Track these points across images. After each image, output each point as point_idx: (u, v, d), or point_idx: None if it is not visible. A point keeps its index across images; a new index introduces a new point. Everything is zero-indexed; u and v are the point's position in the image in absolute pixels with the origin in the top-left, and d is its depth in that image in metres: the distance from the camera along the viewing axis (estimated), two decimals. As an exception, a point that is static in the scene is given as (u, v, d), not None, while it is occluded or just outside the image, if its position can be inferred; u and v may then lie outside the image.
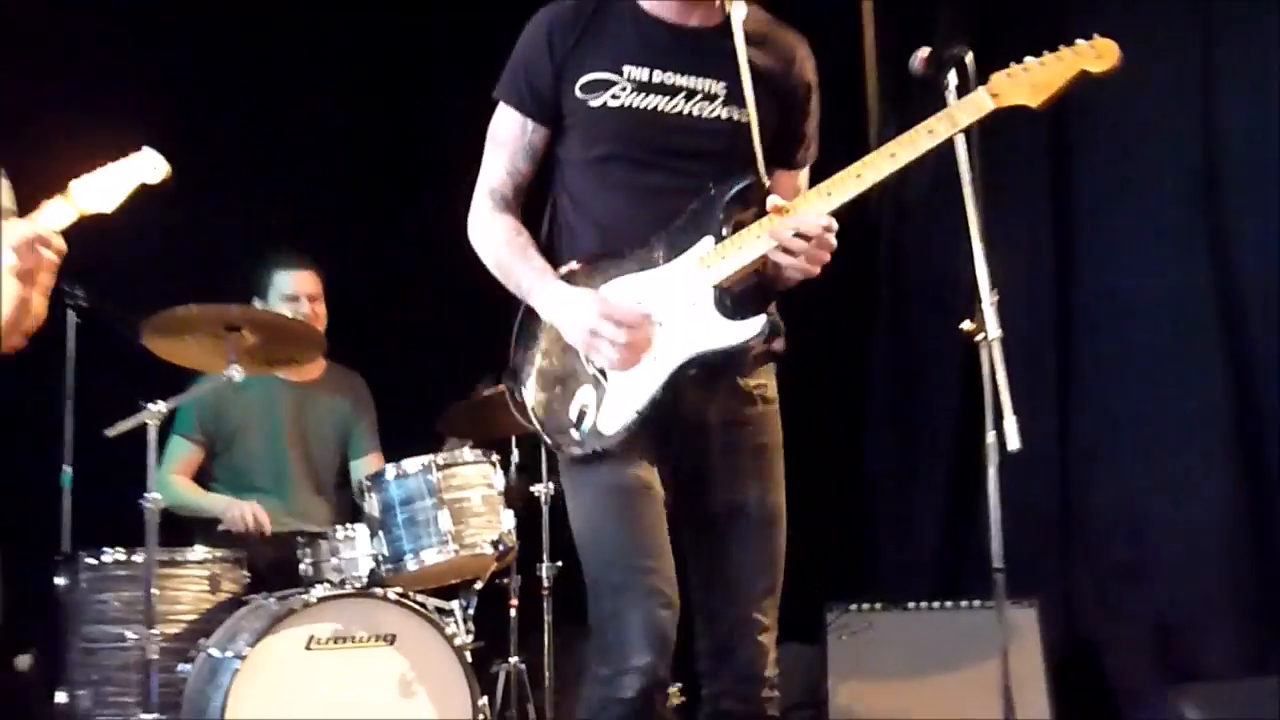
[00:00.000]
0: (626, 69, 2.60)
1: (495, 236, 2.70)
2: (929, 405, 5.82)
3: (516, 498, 4.69)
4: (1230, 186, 5.07)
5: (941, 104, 3.65)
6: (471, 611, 4.50)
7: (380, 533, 4.35)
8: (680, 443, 2.67)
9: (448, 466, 4.40)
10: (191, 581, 4.39)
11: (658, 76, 2.61)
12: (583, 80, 2.61)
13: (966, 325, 3.62)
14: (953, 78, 3.64)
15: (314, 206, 5.76)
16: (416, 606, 4.21)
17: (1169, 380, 4.95)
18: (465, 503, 4.39)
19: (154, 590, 4.13)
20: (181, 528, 4.64)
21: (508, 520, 4.45)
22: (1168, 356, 5.10)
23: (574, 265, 2.67)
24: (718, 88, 2.64)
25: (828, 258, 2.55)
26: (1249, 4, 4.89)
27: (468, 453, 4.51)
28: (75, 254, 3.01)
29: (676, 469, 2.68)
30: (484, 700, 4.26)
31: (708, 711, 2.72)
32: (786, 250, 2.48)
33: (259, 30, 5.78)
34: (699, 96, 2.64)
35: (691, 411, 2.67)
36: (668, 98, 2.62)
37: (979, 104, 2.56)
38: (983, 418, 3.48)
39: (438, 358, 5.46)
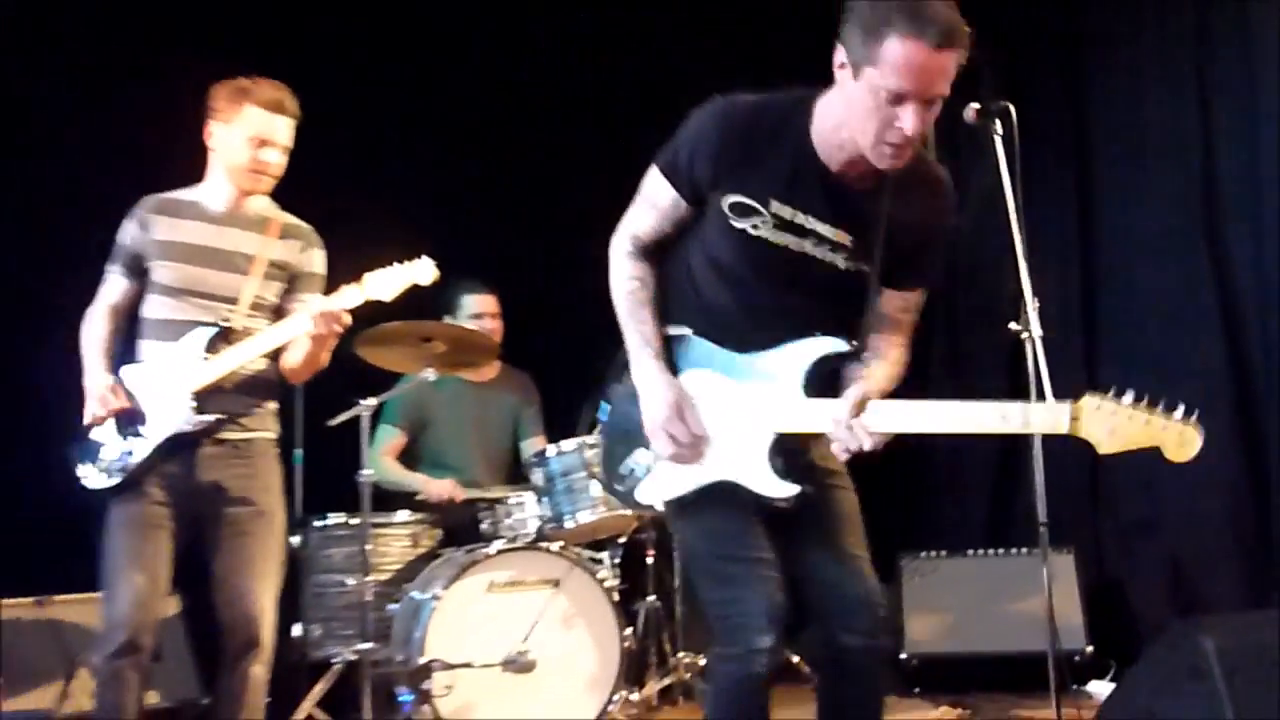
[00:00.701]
0: (773, 204, 2.35)
1: (624, 280, 2.52)
2: (982, 392, 5.71)
3: None
4: (1223, 194, 5.02)
5: (990, 147, 3.84)
6: (617, 560, 4.65)
7: (544, 498, 4.47)
8: None
9: (596, 446, 4.41)
10: (397, 539, 4.60)
11: (799, 218, 2.36)
12: (731, 200, 2.36)
13: (1013, 326, 3.79)
14: (998, 126, 3.85)
15: (494, 238, 5.78)
16: (574, 556, 4.31)
17: (1177, 362, 4.92)
18: (614, 474, 4.62)
19: (368, 546, 4.26)
20: (388, 497, 4.77)
21: (646, 488, 4.67)
22: (1175, 341, 5.07)
23: (684, 332, 2.48)
24: (848, 241, 2.39)
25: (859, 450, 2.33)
26: (1237, 36, 4.82)
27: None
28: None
29: None
30: (628, 630, 4.36)
31: (828, 653, 2.51)
32: (844, 441, 2.30)
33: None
34: (828, 245, 2.38)
35: None
36: (800, 239, 2.38)
37: (1057, 421, 2.26)
38: (1026, 400, 3.69)
39: (590, 358, 5.54)
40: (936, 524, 6.06)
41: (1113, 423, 2.20)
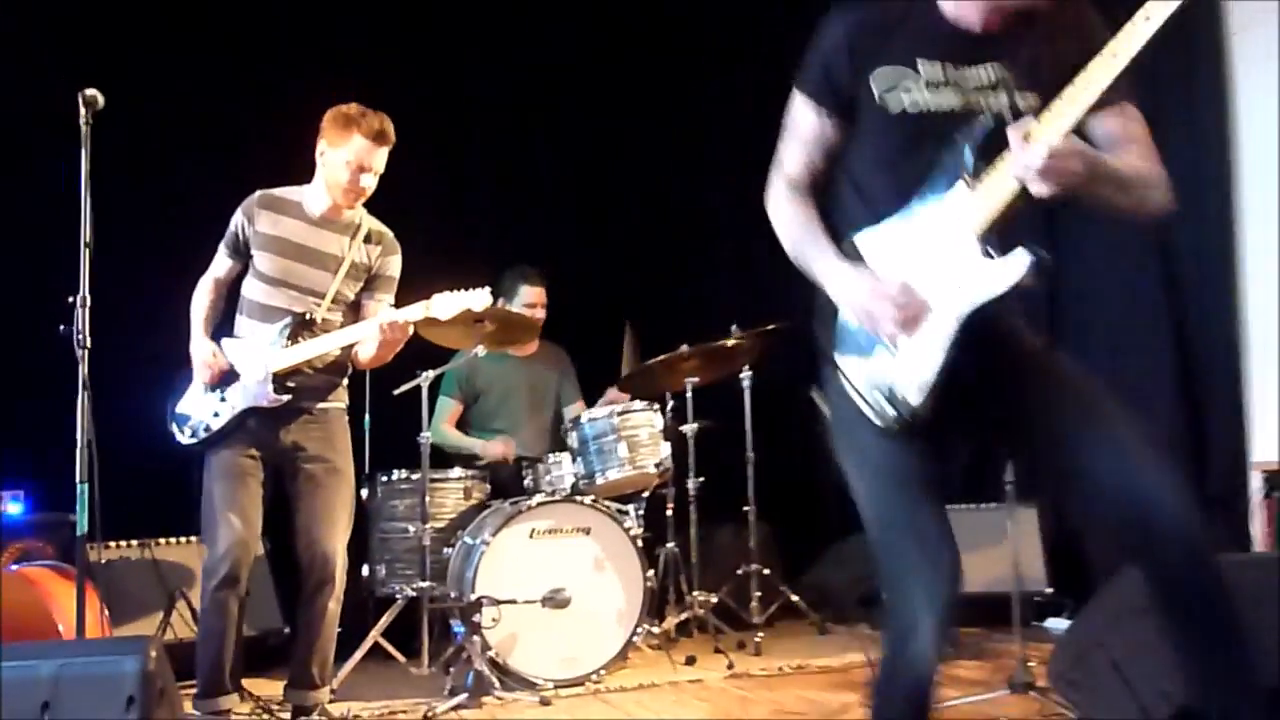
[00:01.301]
0: (920, 64, 2.02)
1: (793, 222, 2.16)
2: None
3: (672, 434, 4.77)
4: (1178, 246, 4.83)
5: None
6: (641, 512, 4.69)
7: (579, 458, 4.52)
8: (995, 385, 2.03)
9: (625, 413, 4.55)
10: (452, 492, 4.64)
11: (949, 73, 2.02)
12: (879, 71, 2.03)
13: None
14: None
15: (546, 231, 5.90)
16: (604, 508, 4.33)
17: (1130, 355, 4.85)
18: (636, 437, 4.53)
19: (426, 498, 4.35)
20: (444, 456, 4.86)
21: (665, 450, 4.61)
22: (1128, 339, 4.98)
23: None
24: (1005, 74, 2.02)
25: (1067, 172, 1.84)
26: (1186, 71, 4.70)
27: (638, 403, 4.62)
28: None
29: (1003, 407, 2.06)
30: (650, 572, 4.39)
31: (1154, 591, 1.91)
32: (1039, 172, 1.83)
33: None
34: (984, 86, 2.02)
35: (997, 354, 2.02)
36: (956, 92, 2.02)
37: None
38: None
39: (621, 333, 5.55)
40: None
41: None
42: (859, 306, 2.03)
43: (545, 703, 3.93)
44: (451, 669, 4.16)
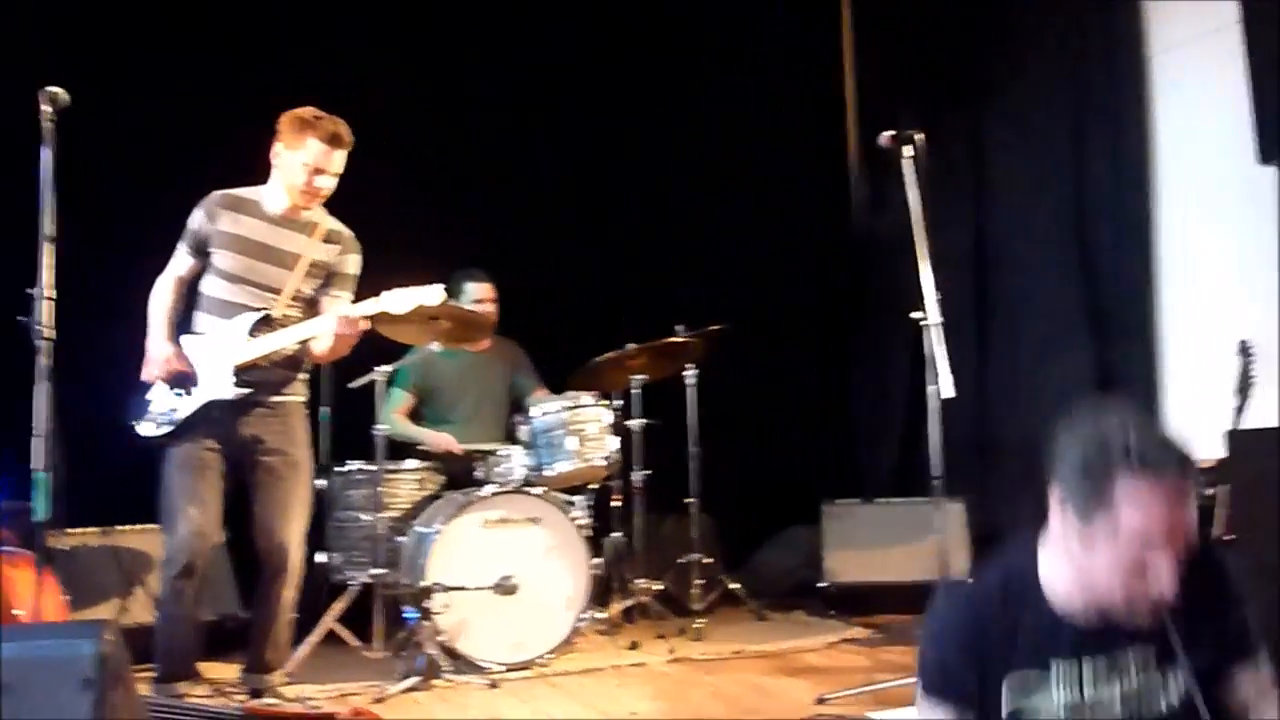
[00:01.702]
0: (1054, 664, 1.69)
1: None
2: (893, 368, 5.84)
3: (619, 429, 4.76)
4: (1092, 213, 5.06)
5: (902, 168, 3.94)
6: (589, 503, 4.69)
7: (529, 451, 4.50)
8: None
9: (575, 408, 4.55)
10: (406, 483, 4.60)
11: (1087, 671, 1.69)
12: (1011, 678, 1.70)
13: (916, 315, 3.89)
14: (908, 150, 3.95)
15: (495, 235, 5.72)
16: (553, 499, 4.35)
17: (1052, 348, 5.00)
18: (585, 432, 4.52)
19: (381, 489, 4.36)
20: (400, 448, 4.79)
21: (613, 444, 4.61)
22: (1050, 332, 5.14)
23: None
24: (1144, 656, 1.69)
25: None
26: (1109, 79, 4.88)
27: (586, 398, 4.62)
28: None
29: None
30: (596, 560, 4.42)
31: None
32: None
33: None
34: (1129, 672, 1.69)
35: None
36: (1110, 684, 1.69)
37: None
38: (926, 375, 3.73)
39: (571, 331, 5.53)
40: (855, 475, 6.15)
41: None
42: None
43: (493, 685, 3.93)
44: (403, 653, 4.15)
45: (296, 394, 3.72)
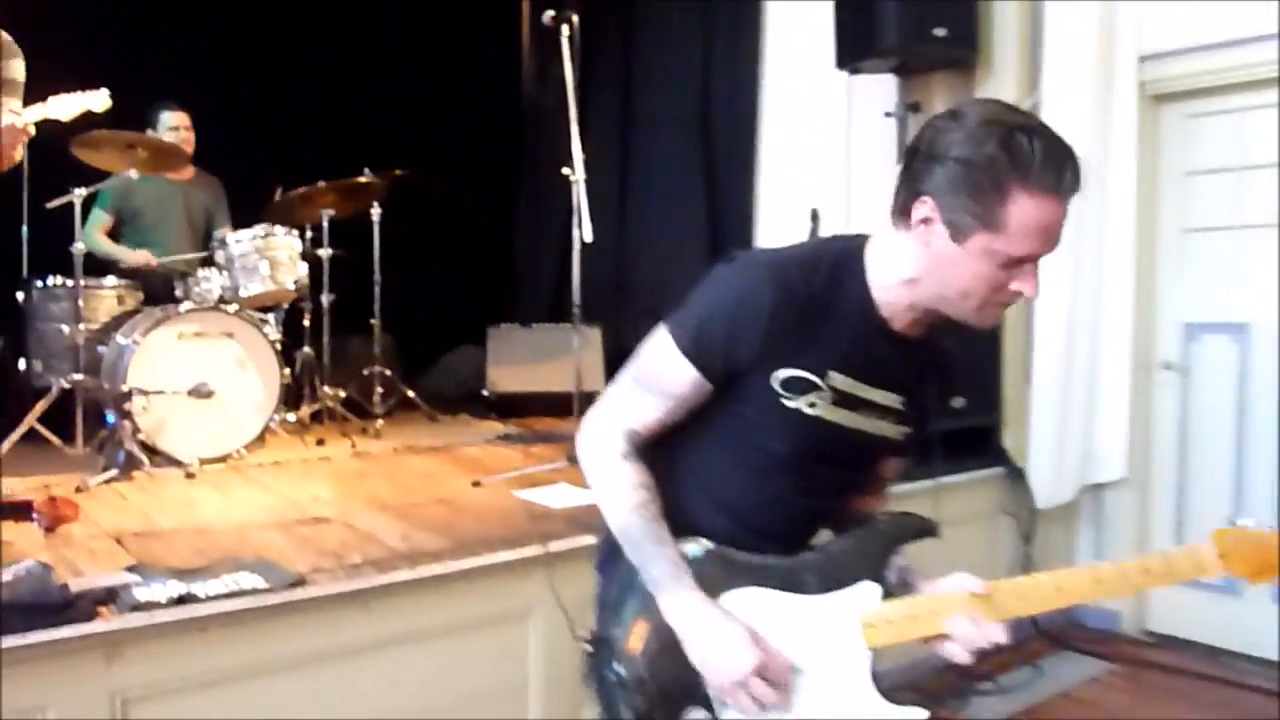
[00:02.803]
0: (831, 376, 1.48)
1: (627, 491, 1.51)
2: (549, 215, 5.99)
3: (309, 258, 4.84)
4: (714, 101, 5.40)
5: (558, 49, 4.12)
6: (280, 320, 4.80)
7: (225, 273, 4.52)
8: None
9: (267, 236, 4.57)
10: (106, 298, 4.51)
11: (857, 389, 1.49)
12: (785, 375, 1.46)
13: (566, 171, 4.18)
14: (565, 29, 4.16)
15: (192, 62, 5.50)
16: (246, 317, 4.35)
17: (675, 205, 5.40)
18: (277, 258, 4.56)
19: (80, 302, 4.26)
20: (103, 265, 4.69)
21: (303, 270, 4.68)
22: (675, 192, 5.53)
23: (708, 547, 1.52)
24: (898, 404, 1.54)
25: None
26: (735, 9, 5.10)
27: (279, 228, 4.64)
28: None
29: None
30: (286, 371, 4.47)
31: None
32: (964, 642, 1.49)
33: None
34: (879, 411, 1.52)
35: None
36: (854, 411, 1.50)
37: (1202, 564, 1.46)
38: (573, 222, 4.01)
39: (269, 168, 5.40)
40: (514, 304, 6.39)
41: (1257, 552, 1.45)
42: (729, 673, 1.44)
43: (190, 476, 3.98)
44: (104, 450, 4.13)
45: None
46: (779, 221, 4.60)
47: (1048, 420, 4.28)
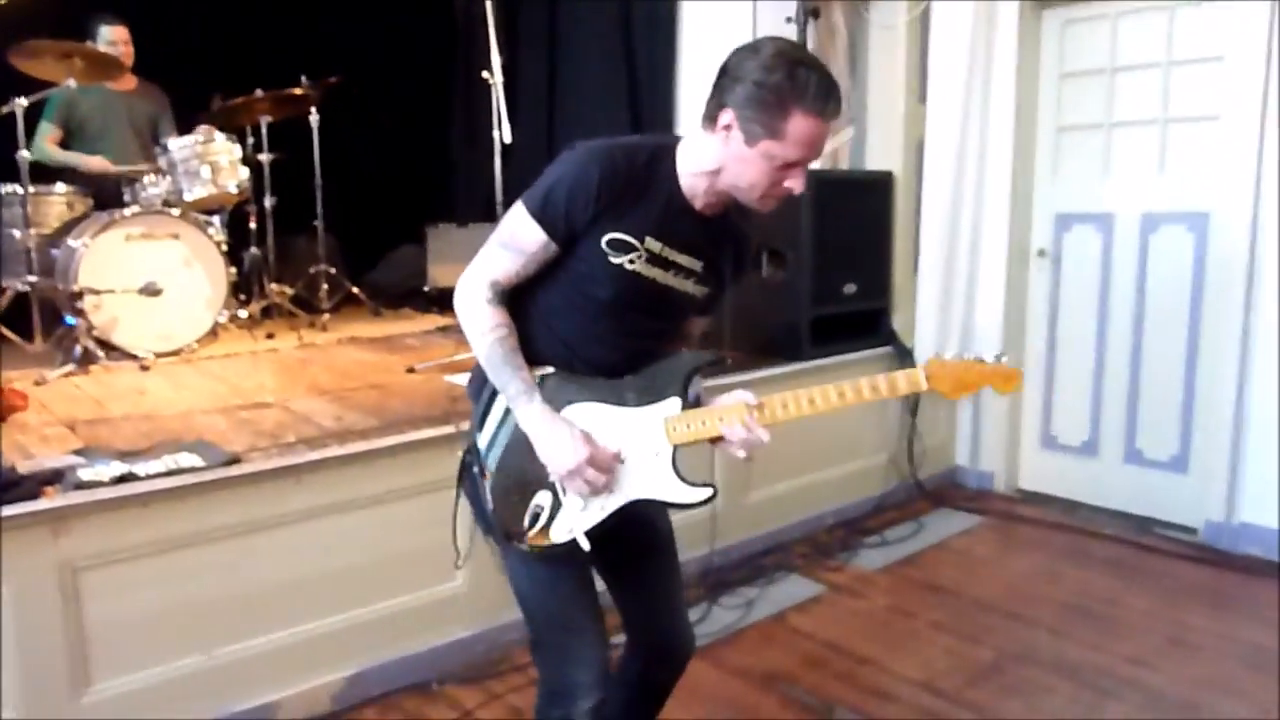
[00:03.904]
0: (647, 240, 1.71)
1: (487, 327, 1.72)
2: (483, 121, 5.78)
3: (250, 162, 4.75)
4: (637, 38, 5.20)
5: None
6: (225, 222, 4.72)
7: (169, 178, 4.43)
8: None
9: (207, 142, 4.46)
10: (56, 204, 4.39)
11: (666, 252, 1.73)
12: (610, 236, 1.69)
13: (486, 75, 4.14)
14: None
15: None
16: (191, 219, 4.29)
17: (601, 107, 5.29)
18: (218, 163, 4.47)
19: (29, 209, 4.15)
20: (51, 173, 4.53)
21: (244, 174, 4.60)
22: (600, 96, 5.37)
23: (552, 371, 1.76)
24: (698, 268, 1.77)
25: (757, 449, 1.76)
26: None
27: (219, 134, 4.53)
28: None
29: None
30: (233, 269, 4.46)
31: (635, 669, 2.02)
32: (738, 440, 1.74)
33: None
34: (684, 273, 1.76)
35: None
36: (665, 270, 1.74)
37: (915, 382, 1.73)
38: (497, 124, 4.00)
39: (208, 77, 5.23)
40: (451, 205, 6.29)
41: (956, 375, 1.75)
42: (565, 462, 1.70)
43: (145, 368, 3.98)
44: (61, 346, 4.10)
45: None
46: (695, 118, 4.56)
47: (931, 304, 4.36)
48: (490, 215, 5.26)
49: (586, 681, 1.81)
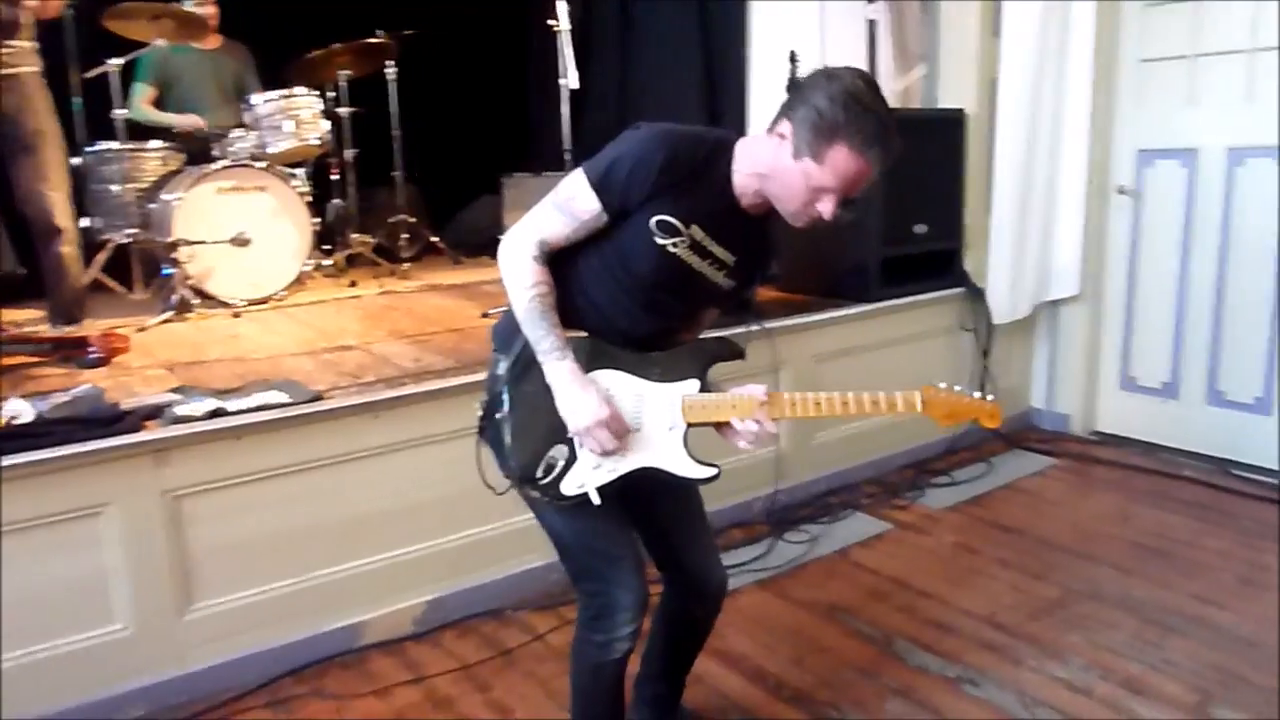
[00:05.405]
0: (693, 227, 1.81)
1: (529, 283, 1.80)
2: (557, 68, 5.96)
3: (331, 116, 4.85)
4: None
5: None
6: (309, 174, 4.86)
7: (255, 133, 4.59)
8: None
9: (290, 97, 4.61)
10: (151, 160, 4.51)
11: (707, 242, 1.82)
12: (659, 218, 1.78)
13: (551, 22, 4.18)
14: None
15: None
16: (276, 171, 4.43)
17: (674, 61, 5.24)
18: (300, 117, 4.61)
19: (127, 164, 4.37)
20: (147, 131, 4.68)
21: (325, 126, 4.73)
22: (674, 49, 5.30)
23: (587, 335, 1.86)
24: (731, 262, 1.87)
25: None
26: None
27: (300, 89, 4.68)
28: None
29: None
30: (317, 220, 4.61)
31: (675, 613, 2.18)
32: (746, 432, 1.84)
33: None
34: (718, 264, 1.85)
35: None
36: (702, 258, 1.83)
37: (912, 404, 1.86)
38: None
39: (289, 34, 5.22)
40: (528, 155, 6.26)
41: (950, 405, 1.87)
42: (584, 421, 1.80)
43: (236, 315, 4.16)
44: (160, 295, 4.31)
45: (27, 64, 3.53)
46: (766, 66, 4.54)
47: (1005, 244, 4.31)
48: (563, 164, 5.36)
49: (627, 603, 1.91)
